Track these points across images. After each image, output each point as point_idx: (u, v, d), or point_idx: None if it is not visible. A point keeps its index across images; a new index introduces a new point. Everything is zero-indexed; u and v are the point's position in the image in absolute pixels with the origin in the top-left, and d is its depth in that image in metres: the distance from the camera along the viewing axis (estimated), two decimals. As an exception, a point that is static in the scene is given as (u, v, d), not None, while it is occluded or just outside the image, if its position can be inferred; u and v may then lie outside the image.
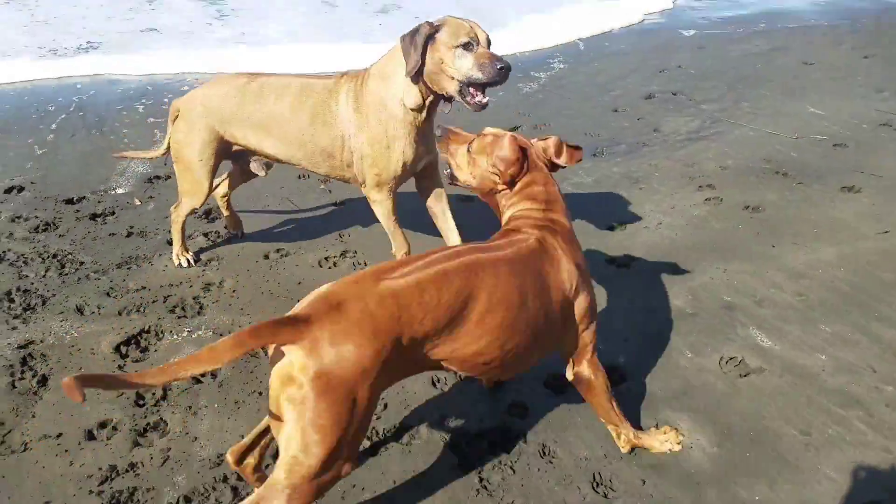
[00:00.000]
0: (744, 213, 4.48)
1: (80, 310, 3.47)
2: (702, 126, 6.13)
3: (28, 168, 5.13)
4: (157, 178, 4.99)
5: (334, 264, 3.94)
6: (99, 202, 4.61)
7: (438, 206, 3.56)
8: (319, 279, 3.75)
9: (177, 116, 3.51)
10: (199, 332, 3.33)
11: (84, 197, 4.67)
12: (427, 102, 3.17)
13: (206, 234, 4.22)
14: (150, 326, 3.35)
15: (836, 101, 6.74)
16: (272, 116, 3.35)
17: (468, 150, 2.53)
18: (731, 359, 3.17)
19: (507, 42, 8.29)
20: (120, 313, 3.45)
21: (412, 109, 3.16)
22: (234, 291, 3.66)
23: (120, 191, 4.79)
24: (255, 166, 3.69)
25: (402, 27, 3.36)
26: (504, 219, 2.50)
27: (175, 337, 3.29)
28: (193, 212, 3.75)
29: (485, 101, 3.05)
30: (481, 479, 2.52)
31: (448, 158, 2.61)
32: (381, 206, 3.43)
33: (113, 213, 4.46)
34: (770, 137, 5.83)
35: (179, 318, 3.44)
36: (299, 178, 5.02)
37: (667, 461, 2.60)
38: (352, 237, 4.25)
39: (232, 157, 3.68)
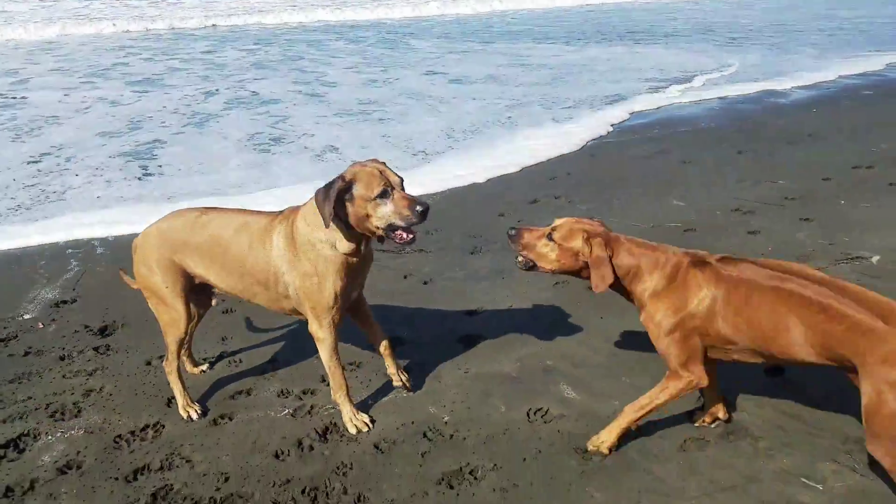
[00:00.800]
0: (584, 294, 5.04)
1: (-33, 421, 3.83)
2: (573, 222, 6.79)
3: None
4: (64, 302, 5.44)
5: (210, 366, 4.37)
6: (4, 328, 5.02)
7: (367, 319, 3.83)
8: (191, 381, 4.16)
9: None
10: (73, 432, 3.70)
11: (-9, 324, 5.10)
12: (361, 246, 3.36)
13: (96, 349, 4.63)
14: (29, 430, 3.71)
15: (700, 193, 7.51)
16: (216, 248, 3.57)
17: (551, 240, 3.24)
18: (538, 409, 3.63)
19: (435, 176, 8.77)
20: (4, 421, 3.81)
21: (345, 253, 3.32)
22: (111, 395, 4.05)
23: (27, 316, 5.22)
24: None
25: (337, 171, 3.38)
26: (646, 285, 3.21)
27: (50, 438, 3.66)
28: (181, 346, 3.82)
29: (411, 237, 3.21)
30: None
31: (525, 252, 3.33)
32: (324, 343, 3.51)
33: (16, 337, 4.87)
34: (628, 228, 6.49)
35: (57, 421, 3.81)
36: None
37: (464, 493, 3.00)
38: (233, 340, 4.69)
39: (196, 290, 3.80)
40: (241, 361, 4.39)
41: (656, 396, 3.16)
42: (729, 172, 8.34)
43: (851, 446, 3.25)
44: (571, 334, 4.43)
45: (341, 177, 3.18)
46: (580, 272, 3.28)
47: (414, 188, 7.83)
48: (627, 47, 20.74)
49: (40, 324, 5.09)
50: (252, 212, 3.74)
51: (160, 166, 9.54)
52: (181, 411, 3.81)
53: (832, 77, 14.93)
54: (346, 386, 3.66)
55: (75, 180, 8.94)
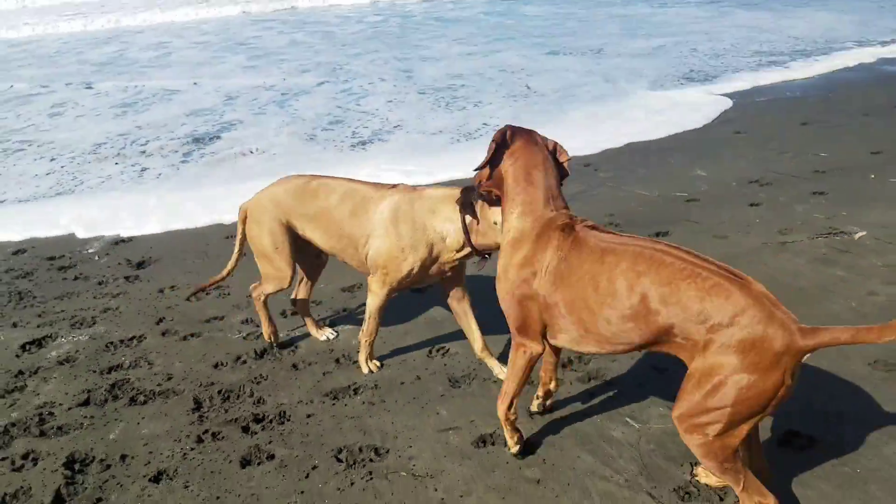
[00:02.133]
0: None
1: (14, 325, 4.87)
2: (585, 190, 7.00)
3: (34, 239, 6.77)
4: (122, 241, 6.51)
5: (206, 294, 5.19)
6: (71, 258, 6.14)
7: (460, 307, 3.92)
8: (185, 307, 4.98)
9: (245, 217, 4.06)
10: (80, 338, 4.63)
11: (63, 255, 6.22)
12: (464, 249, 3.57)
13: (126, 277, 5.60)
14: (52, 333, 4.69)
15: (729, 163, 7.46)
16: (321, 212, 3.88)
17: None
18: (440, 347, 4.12)
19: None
20: (39, 326, 4.83)
21: (454, 249, 3.60)
22: (121, 313, 4.97)
23: (90, 250, 6.33)
24: None
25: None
26: (513, 223, 2.88)
27: (63, 340, 4.61)
28: (273, 294, 4.15)
29: None
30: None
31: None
32: (376, 297, 3.79)
33: (74, 266, 5.96)
34: (635, 196, 6.66)
35: (73, 327, 4.76)
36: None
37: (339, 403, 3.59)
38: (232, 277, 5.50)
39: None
40: (229, 294, 5.17)
41: (509, 381, 3.00)
42: (775, 145, 8.14)
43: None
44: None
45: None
46: None
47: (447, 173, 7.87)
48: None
49: (97, 256, 6.17)
50: (358, 181, 4.01)
51: (201, 155, 9.30)
52: (265, 335, 4.27)
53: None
54: (374, 335, 3.94)
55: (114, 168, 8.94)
